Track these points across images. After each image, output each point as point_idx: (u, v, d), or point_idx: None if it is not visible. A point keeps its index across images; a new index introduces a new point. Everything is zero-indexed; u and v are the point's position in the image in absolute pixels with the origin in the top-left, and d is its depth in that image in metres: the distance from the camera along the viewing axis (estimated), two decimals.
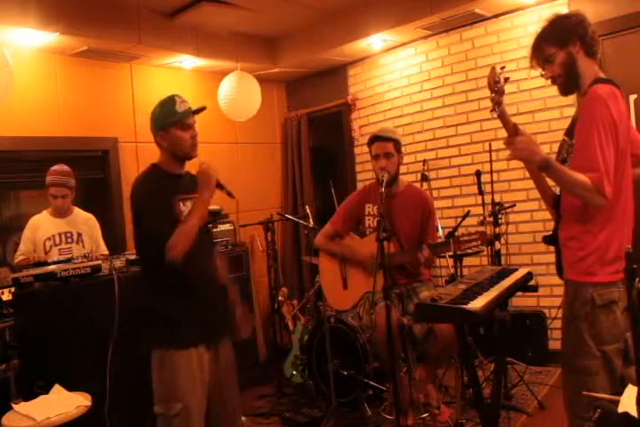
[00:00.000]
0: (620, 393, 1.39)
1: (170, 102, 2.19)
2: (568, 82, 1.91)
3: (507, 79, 2.03)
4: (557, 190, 2.00)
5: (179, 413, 2.07)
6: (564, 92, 1.96)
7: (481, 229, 3.04)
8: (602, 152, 1.71)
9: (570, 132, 1.90)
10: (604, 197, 1.71)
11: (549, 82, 1.96)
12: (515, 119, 4.50)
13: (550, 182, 2.00)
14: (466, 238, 2.77)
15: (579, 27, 1.86)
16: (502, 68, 2.03)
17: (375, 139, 3.07)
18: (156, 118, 2.21)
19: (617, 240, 1.79)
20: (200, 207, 2.11)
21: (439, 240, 3.22)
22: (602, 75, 1.88)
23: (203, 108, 2.27)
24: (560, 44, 1.88)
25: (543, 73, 1.96)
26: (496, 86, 1.99)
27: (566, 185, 1.82)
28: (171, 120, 2.16)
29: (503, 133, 4.18)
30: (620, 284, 1.79)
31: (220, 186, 2.18)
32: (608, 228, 1.79)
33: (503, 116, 2.08)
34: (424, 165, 3.90)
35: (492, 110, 2.02)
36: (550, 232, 2.00)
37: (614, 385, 1.74)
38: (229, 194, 2.22)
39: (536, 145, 1.83)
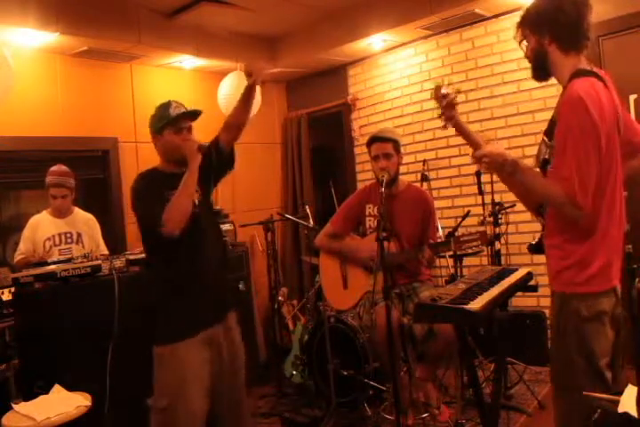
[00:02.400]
0: (620, 393, 1.39)
1: (165, 106, 2.26)
2: (535, 69, 1.81)
3: (458, 92, 1.98)
4: None
5: (165, 408, 2.13)
6: (534, 77, 1.85)
7: (481, 229, 3.04)
8: (578, 163, 1.57)
9: (549, 131, 1.77)
10: (579, 209, 1.58)
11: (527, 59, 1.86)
12: (515, 119, 4.51)
13: None
14: (466, 238, 2.77)
15: (552, 17, 1.69)
16: (450, 84, 1.99)
17: (374, 140, 3.06)
18: (152, 122, 2.28)
19: (603, 247, 1.65)
20: (187, 178, 2.15)
21: (439, 240, 3.22)
22: (583, 66, 1.72)
23: (197, 112, 2.30)
24: (532, 29, 1.76)
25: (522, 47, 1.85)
26: (443, 102, 1.94)
27: (535, 190, 1.72)
28: (163, 123, 2.23)
29: (503, 134, 4.21)
30: (612, 293, 1.67)
31: (200, 149, 2.22)
32: (592, 234, 1.65)
33: (461, 129, 1.99)
34: (424, 165, 3.90)
35: (443, 127, 1.96)
36: (535, 240, 1.90)
37: None
38: (204, 146, 2.25)
39: (501, 148, 1.75)
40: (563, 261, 1.70)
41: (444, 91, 1.93)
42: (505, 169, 1.71)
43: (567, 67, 1.72)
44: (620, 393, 1.39)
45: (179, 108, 2.25)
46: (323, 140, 5.57)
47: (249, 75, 2.26)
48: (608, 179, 1.66)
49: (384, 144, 3.02)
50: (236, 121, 2.37)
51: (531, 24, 1.76)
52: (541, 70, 1.80)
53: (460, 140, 4.36)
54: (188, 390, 2.13)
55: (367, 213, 3.17)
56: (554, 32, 1.71)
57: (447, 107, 1.93)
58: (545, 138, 1.80)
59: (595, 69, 1.72)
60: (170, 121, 2.21)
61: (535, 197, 1.78)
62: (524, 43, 1.81)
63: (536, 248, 1.88)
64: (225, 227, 4.34)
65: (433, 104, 4.91)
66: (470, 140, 2.01)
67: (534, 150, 1.87)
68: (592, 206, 1.60)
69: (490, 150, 1.74)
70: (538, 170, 1.80)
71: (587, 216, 1.61)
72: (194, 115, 2.30)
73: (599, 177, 1.62)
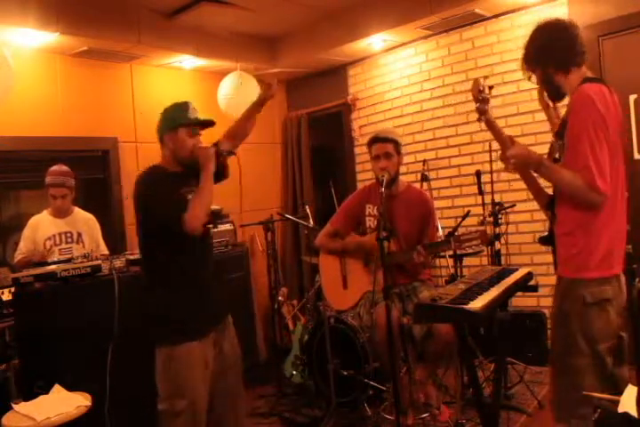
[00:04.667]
0: (620, 393, 1.39)
1: (184, 106, 2.26)
2: (551, 93, 1.98)
3: (491, 87, 2.08)
4: (550, 191, 2.00)
5: (183, 409, 2.09)
6: (552, 99, 2.03)
7: (481, 228, 3.04)
8: (592, 151, 1.72)
9: (560, 133, 1.90)
10: (598, 193, 1.72)
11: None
12: (515, 119, 4.52)
13: (542, 182, 2.01)
14: (467, 237, 2.76)
15: (548, 48, 1.89)
16: (485, 77, 2.07)
17: (375, 140, 3.07)
18: (167, 118, 2.26)
19: (607, 236, 1.79)
20: (206, 179, 2.17)
21: (439, 240, 3.22)
22: (589, 74, 1.89)
23: (211, 122, 2.31)
24: (535, 63, 1.94)
25: (532, 80, 2.03)
26: (480, 96, 2.04)
27: (559, 183, 1.84)
28: (181, 122, 2.22)
29: (505, 133, 4.16)
30: (614, 281, 1.79)
31: (220, 154, 2.25)
32: (598, 223, 1.79)
33: (491, 124, 2.11)
34: (424, 165, 3.89)
35: (478, 119, 2.07)
36: (546, 233, 2.01)
37: (604, 384, 1.73)
38: (231, 152, 2.33)
39: (527, 148, 1.89)
40: (572, 249, 1.82)
41: (482, 85, 2.05)
42: (530, 167, 1.90)
43: (574, 81, 1.88)
44: (620, 393, 1.39)
45: (195, 113, 2.25)
46: (323, 140, 5.57)
47: (261, 83, 2.25)
48: (611, 173, 1.76)
49: (385, 144, 3.02)
50: (242, 131, 2.39)
51: (533, 60, 1.95)
52: (556, 93, 1.97)
53: (459, 140, 4.41)
54: (202, 389, 2.14)
55: (367, 212, 3.17)
56: (554, 60, 1.89)
57: (483, 101, 2.04)
58: (555, 138, 1.94)
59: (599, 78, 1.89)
60: (187, 122, 2.22)
61: (559, 188, 1.89)
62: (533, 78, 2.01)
63: (546, 240, 1.99)
64: (225, 227, 4.35)
65: (433, 104, 4.93)
66: (498, 136, 2.12)
67: (534, 150, 1.92)
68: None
69: (517, 152, 1.88)
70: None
71: (603, 201, 1.75)
72: (207, 125, 2.30)
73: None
